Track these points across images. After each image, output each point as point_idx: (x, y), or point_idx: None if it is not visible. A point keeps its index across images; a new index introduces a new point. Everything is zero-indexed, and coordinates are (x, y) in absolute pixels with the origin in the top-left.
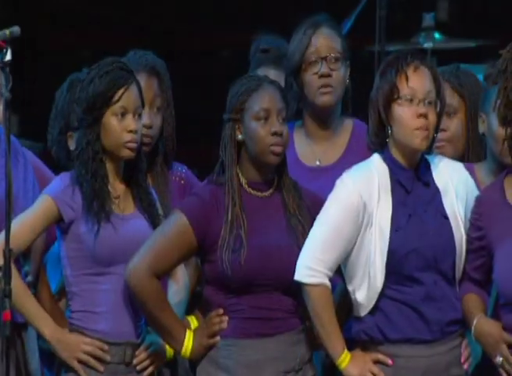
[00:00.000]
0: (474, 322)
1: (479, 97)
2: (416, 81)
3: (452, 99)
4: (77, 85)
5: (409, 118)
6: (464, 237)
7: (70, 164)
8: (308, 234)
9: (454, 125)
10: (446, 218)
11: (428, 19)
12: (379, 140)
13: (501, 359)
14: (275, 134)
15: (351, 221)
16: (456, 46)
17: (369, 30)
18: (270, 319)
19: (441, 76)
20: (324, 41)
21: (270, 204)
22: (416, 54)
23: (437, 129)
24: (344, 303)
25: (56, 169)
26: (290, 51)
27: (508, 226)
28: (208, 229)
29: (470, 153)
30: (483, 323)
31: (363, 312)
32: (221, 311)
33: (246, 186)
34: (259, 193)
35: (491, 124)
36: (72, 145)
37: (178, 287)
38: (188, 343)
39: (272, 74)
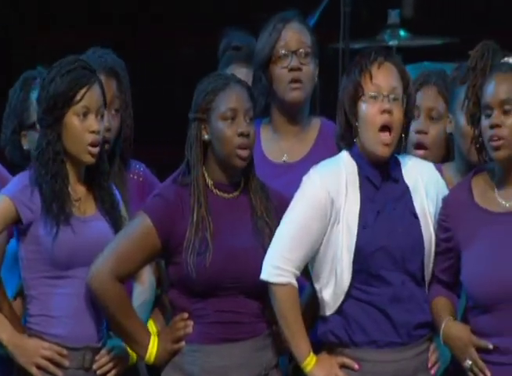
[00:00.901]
0: (443, 325)
1: None
2: (381, 78)
3: (437, 103)
4: (31, 83)
5: (373, 114)
6: (433, 237)
7: (25, 163)
8: None
9: (436, 130)
10: (416, 216)
11: (393, 16)
12: (346, 142)
13: (470, 362)
14: (241, 135)
15: (319, 218)
16: (422, 44)
17: (334, 27)
18: (236, 323)
19: (429, 78)
20: (294, 36)
21: (237, 205)
22: (381, 51)
23: (407, 129)
24: (311, 305)
25: (10, 169)
26: (259, 45)
27: (476, 227)
28: (173, 230)
29: (449, 160)
30: (451, 327)
31: (329, 311)
32: (185, 315)
33: (213, 187)
34: (225, 195)
35: (458, 122)
36: (26, 144)
37: (143, 289)
38: (152, 348)
39: (244, 72)
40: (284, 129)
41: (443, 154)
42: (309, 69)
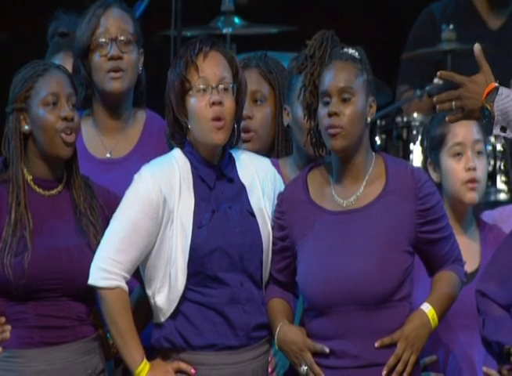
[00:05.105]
0: (277, 330)
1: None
2: (207, 70)
3: (260, 85)
4: None
5: (202, 108)
6: (272, 235)
7: None
8: (101, 235)
9: (261, 113)
10: (253, 215)
11: (227, 3)
12: (178, 141)
13: (305, 368)
14: (65, 119)
15: (150, 217)
16: (257, 32)
17: (165, 13)
18: (57, 327)
19: (249, 62)
20: (115, 22)
21: (58, 202)
22: (206, 40)
23: (239, 119)
24: (141, 308)
25: None
26: (78, 33)
27: (311, 226)
28: None
29: (279, 146)
30: (286, 330)
31: (163, 317)
32: (2, 320)
33: (32, 183)
34: (46, 191)
35: (295, 114)
36: None
37: None
38: None
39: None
40: (107, 123)
41: (272, 138)
42: (131, 57)
